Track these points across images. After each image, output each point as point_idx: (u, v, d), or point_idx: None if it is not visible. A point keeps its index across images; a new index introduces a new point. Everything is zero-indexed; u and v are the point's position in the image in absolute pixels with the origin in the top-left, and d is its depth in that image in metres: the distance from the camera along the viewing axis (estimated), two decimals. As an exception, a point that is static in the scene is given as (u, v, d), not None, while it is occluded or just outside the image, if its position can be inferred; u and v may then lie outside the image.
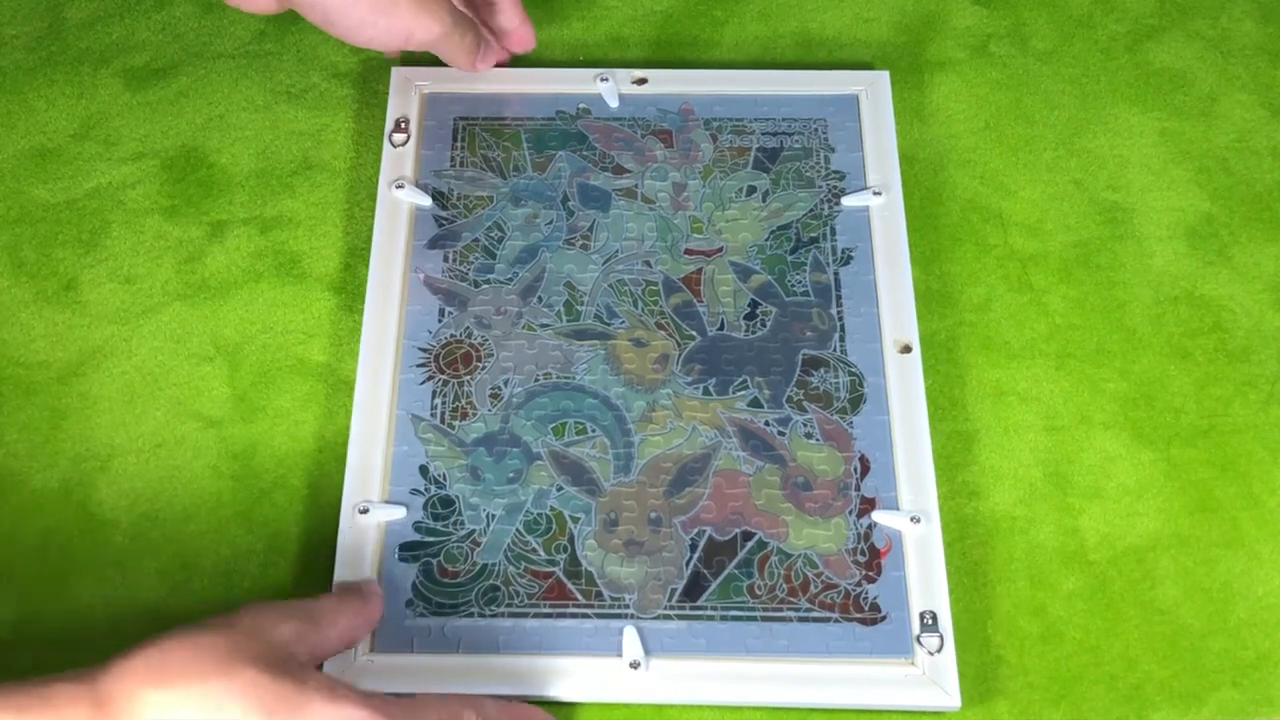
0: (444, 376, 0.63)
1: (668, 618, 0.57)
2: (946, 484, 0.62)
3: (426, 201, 0.67)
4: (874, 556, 0.58)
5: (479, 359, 0.63)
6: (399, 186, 0.67)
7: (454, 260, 0.66)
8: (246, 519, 0.61)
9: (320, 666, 0.55)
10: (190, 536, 0.60)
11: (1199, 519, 0.61)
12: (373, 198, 0.69)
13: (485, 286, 0.65)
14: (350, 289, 0.67)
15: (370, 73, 0.74)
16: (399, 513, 0.59)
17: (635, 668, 0.55)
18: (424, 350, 0.64)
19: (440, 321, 0.64)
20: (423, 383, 0.63)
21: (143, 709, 0.46)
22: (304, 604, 0.54)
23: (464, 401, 0.62)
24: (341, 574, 0.58)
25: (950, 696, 0.55)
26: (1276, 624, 0.59)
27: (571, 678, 0.56)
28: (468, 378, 0.63)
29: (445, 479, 0.60)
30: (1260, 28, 0.77)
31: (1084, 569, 0.60)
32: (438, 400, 0.62)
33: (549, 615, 0.57)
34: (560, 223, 0.67)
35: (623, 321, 0.64)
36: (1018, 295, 0.67)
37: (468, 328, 0.64)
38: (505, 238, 0.66)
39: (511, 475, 0.60)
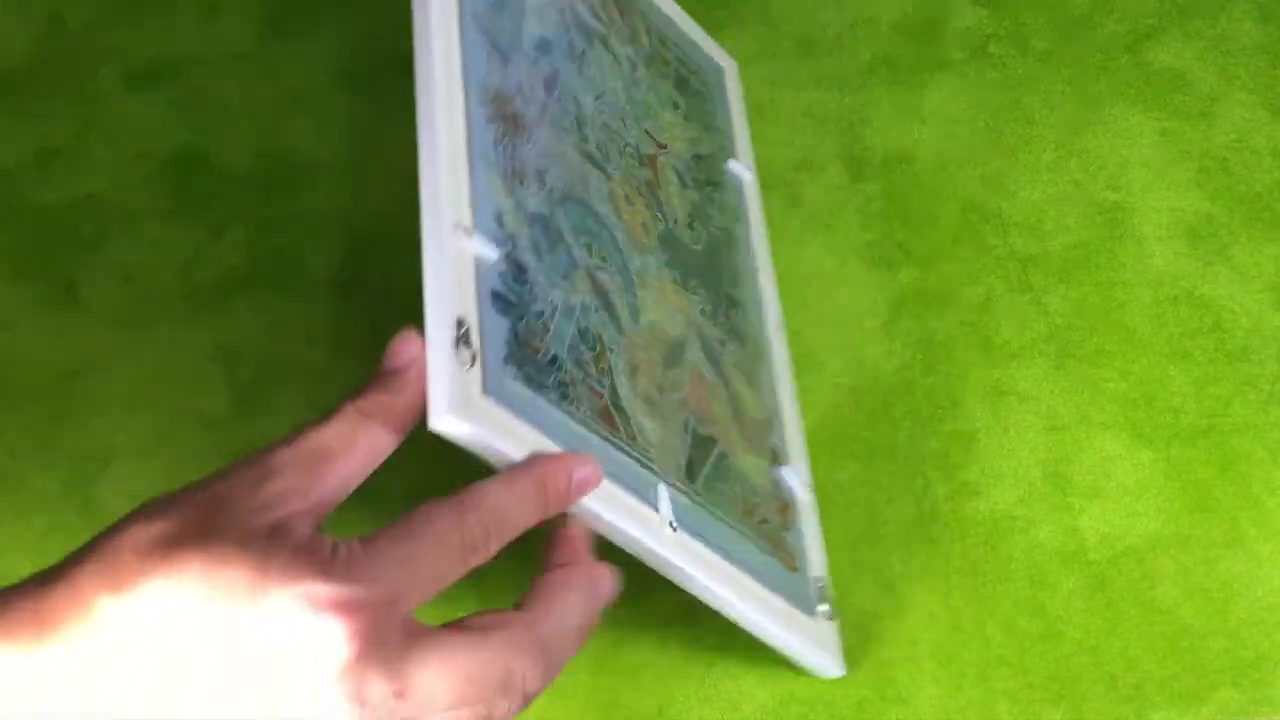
0: (502, 126, 0.51)
1: (678, 489, 0.51)
2: (946, 484, 0.62)
3: None
4: (786, 507, 0.58)
5: (521, 127, 0.52)
6: None
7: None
8: (246, 519, 0.61)
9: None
10: (190, 536, 0.60)
11: (1199, 519, 0.61)
12: (373, 198, 0.69)
13: (516, 56, 0.54)
14: (350, 289, 0.67)
15: (370, 72, 0.74)
16: (493, 253, 0.47)
17: (674, 529, 0.49)
18: (484, 88, 0.51)
19: (487, 64, 0.52)
20: (488, 121, 0.50)
21: (94, 620, 0.38)
22: (304, 444, 0.42)
23: (518, 164, 0.51)
24: (437, 313, 0.44)
25: (836, 665, 0.56)
26: (1276, 624, 0.59)
27: (624, 518, 0.47)
28: (520, 141, 0.52)
29: (515, 241, 0.49)
30: (1260, 28, 0.77)
31: (1084, 569, 0.60)
32: (500, 148, 0.51)
33: (608, 441, 0.48)
34: (565, 31, 0.58)
35: (617, 167, 0.57)
36: (1017, 295, 0.67)
37: (509, 90, 0.53)
38: (525, 15, 0.56)
39: (563, 271, 0.50)
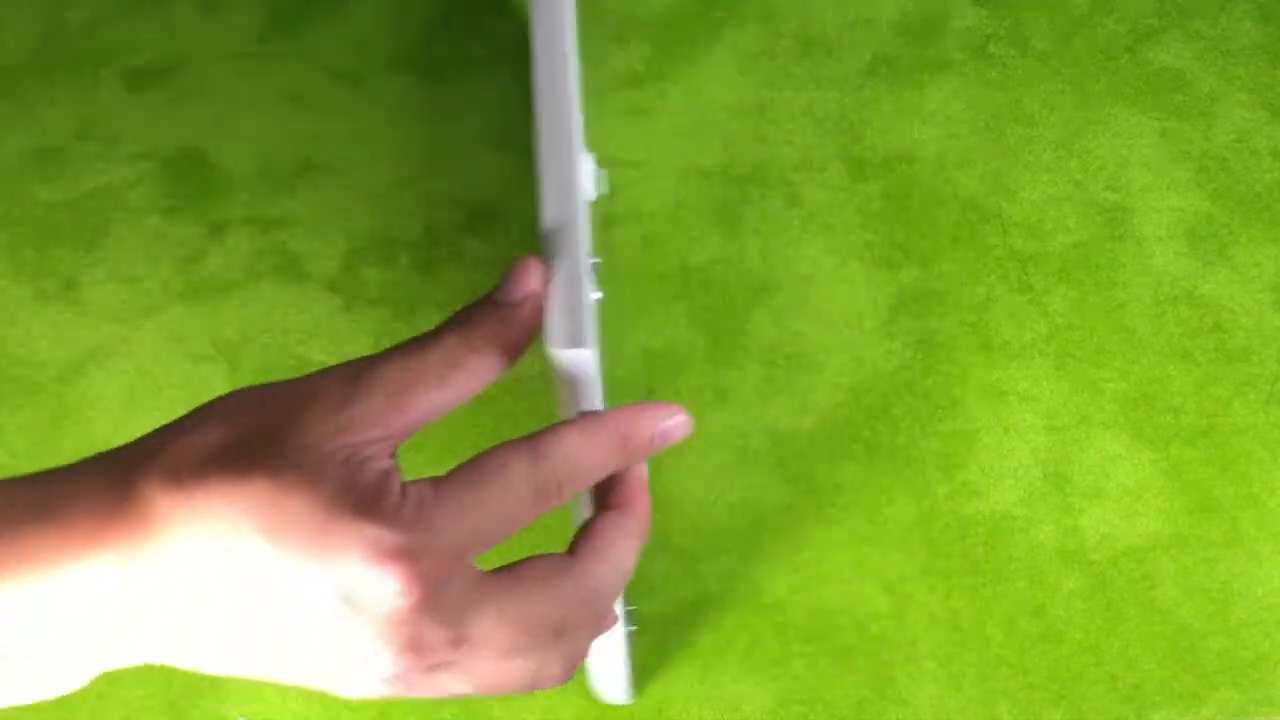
0: None
1: None
2: (946, 484, 0.62)
3: None
4: None
5: None
6: None
7: None
8: (246, 519, 0.61)
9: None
10: (190, 536, 0.60)
11: (1199, 519, 0.61)
12: (373, 197, 0.69)
13: None
14: (350, 289, 0.67)
15: (370, 72, 0.74)
16: (592, 195, 0.48)
17: None
18: None
19: None
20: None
21: (167, 530, 0.36)
22: (397, 368, 0.39)
23: None
24: (569, 243, 0.42)
25: (625, 693, 0.56)
26: (1276, 624, 0.59)
27: None
28: None
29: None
30: (1260, 28, 0.77)
31: (1084, 569, 0.60)
32: None
33: None
34: None
35: None
36: (1017, 295, 0.67)
37: None
38: None
39: None
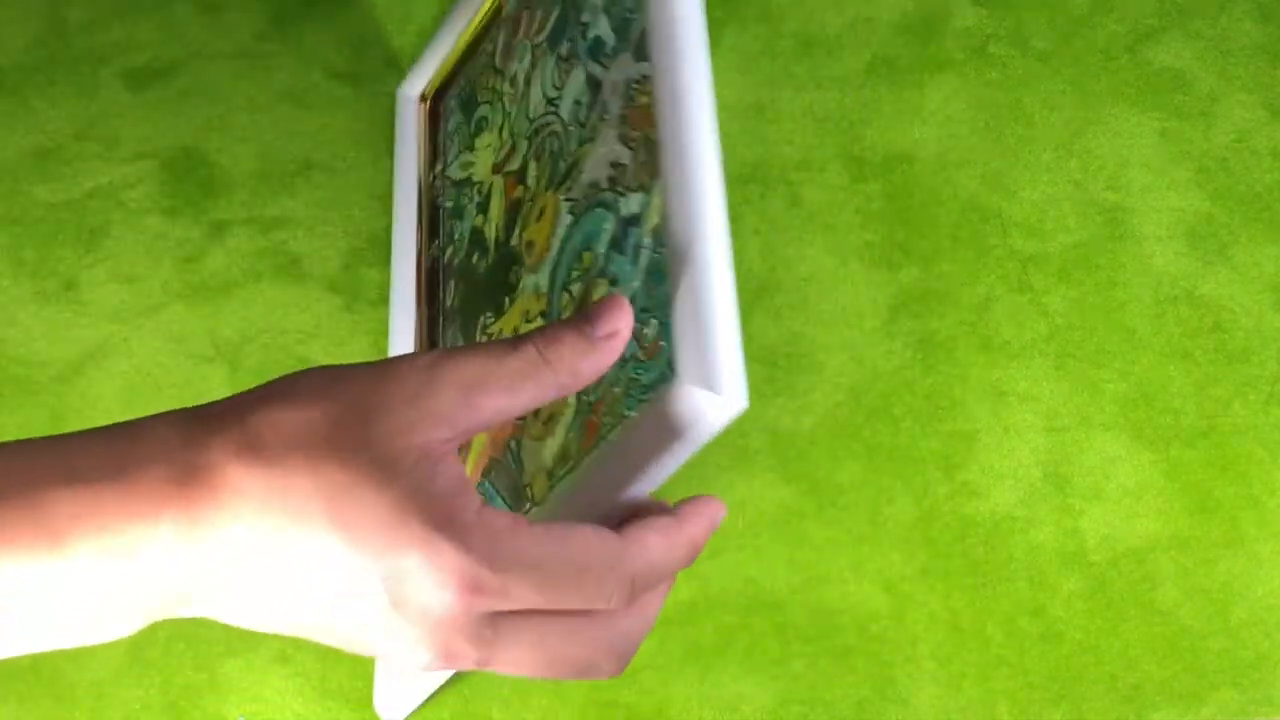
0: None
1: None
2: (946, 484, 0.62)
3: None
4: None
5: None
6: None
7: None
8: (246, 519, 0.61)
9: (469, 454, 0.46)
10: (190, 536, 0.60)
11: (1199, 520, 0.61)
12: (373, 197, 0.69)
13: None
14: (350, 289, 0.67)
15: (371, 73, 0.74)
16: None
17: None
18: None
19: None
20: None
21: (235, 502, 0.36)
22: (475, 368, 0.39)
23: None
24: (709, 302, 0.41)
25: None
26: (1276, 624, 0.59)
27: None
28: None
29: None
30: (1260, 28, 0.77)
31: (1084, 569, 0.60)
32: None
33: None
34: None
35: None
36: (1017, 295, 0.67)
37: None
38: None
39: None
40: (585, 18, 0.56)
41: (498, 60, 0.62)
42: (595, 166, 0.51)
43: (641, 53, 0.51)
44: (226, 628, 0.58)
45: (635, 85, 0.51)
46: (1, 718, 0.56)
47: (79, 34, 0.75)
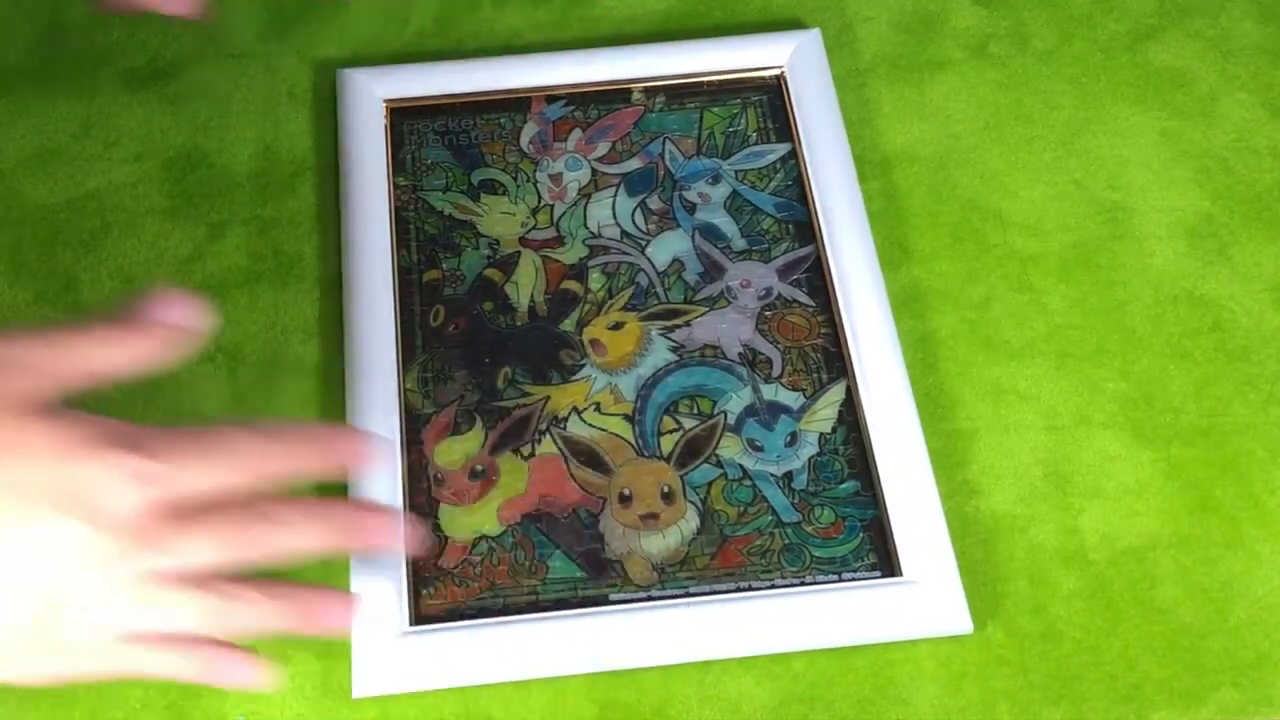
0: None
1: None
2: (946, 483, 0.62)
3: None
4: None
5: None
6: None
7: None
8: (246, 519, 0.60)
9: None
10: (190, 536, 0.60)
11: (1199, 519, 0.61)
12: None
13: None
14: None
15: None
16: None
17: None
18: None
19: None
20: None
21: None
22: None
23: None
24: None
25: None
26: (1276, 624, 0.59)
27: None
28: None
29: None
30: (1260, 28, 0.77)
31: (1084, 569, 0.60)
32: None
33: None
34: None
35: None
36: (1017, 295, 0.67)
37: None
38: None
39: None
40: (691, 197, 0.67)
41: (526, 146, 0.69)
42: (715, 333, 0.63)
43: (787, 275, 0.65)
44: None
45: (781, 301, 0.64)
46: (1, 718, 0.56)
47: (79, 34, 0.75)
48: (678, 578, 0.56)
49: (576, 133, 0.70)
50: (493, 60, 0.72)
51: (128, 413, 0.63)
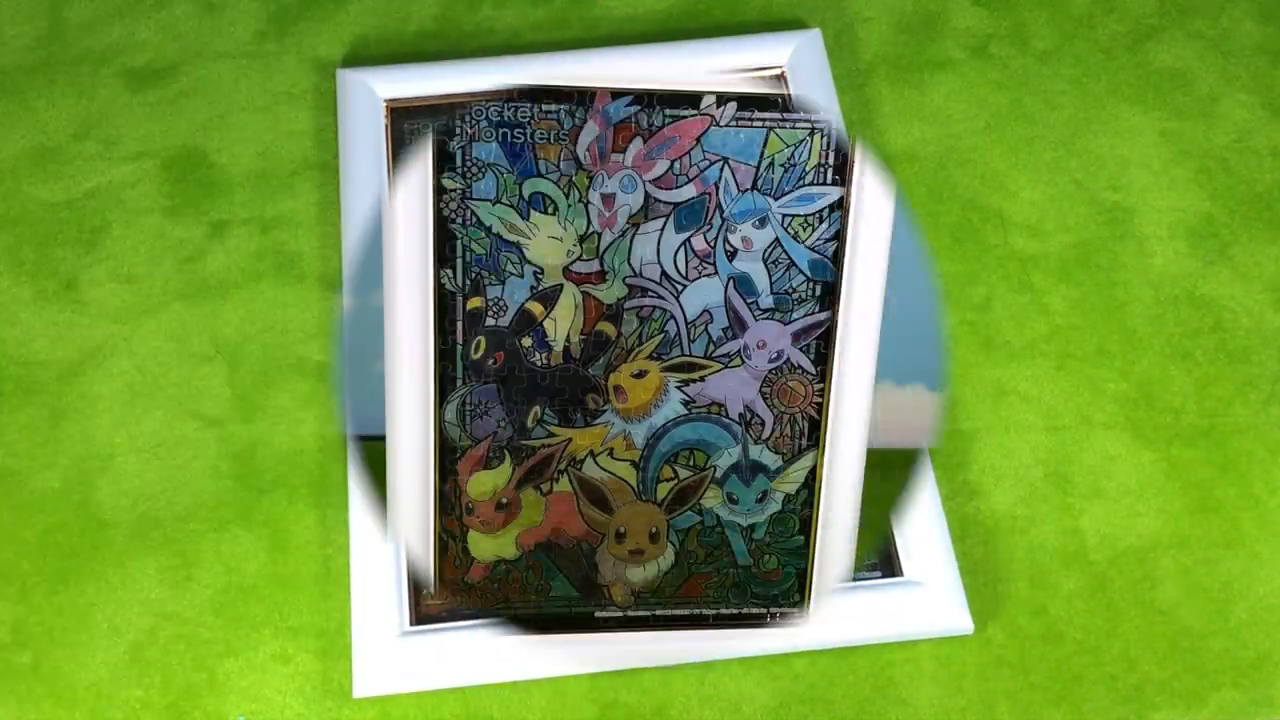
0: None
1: None
2: (947, 483, 0.62)
3: None
4: None
5: None
6: None
7: None
8: (246, 519, 0.61)
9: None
10: (190, 536, 0.60)
11: (1199, 519, 0.61)
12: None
13: None
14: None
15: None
16: None
17: None
18: None
19: None
20: None
21: None
22: None
23: None
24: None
25: None
26: (1276, 624, 0.59)
27: None
28: None
29: None
30: (1260, 28, 0.77)
31: (1084, 569, 0.60)
32: None
33: None
34: None
35: None
36: (1018, 295, 0.67)
37: None
38: None
39: None
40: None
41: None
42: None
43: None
44: (226, 627, 0.58)
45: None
46: (1, 718, 0.56)
47: (79, 34, 0.75)
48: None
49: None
50: (493, 60, 0.72)
51: (128, 413, 0.63)
